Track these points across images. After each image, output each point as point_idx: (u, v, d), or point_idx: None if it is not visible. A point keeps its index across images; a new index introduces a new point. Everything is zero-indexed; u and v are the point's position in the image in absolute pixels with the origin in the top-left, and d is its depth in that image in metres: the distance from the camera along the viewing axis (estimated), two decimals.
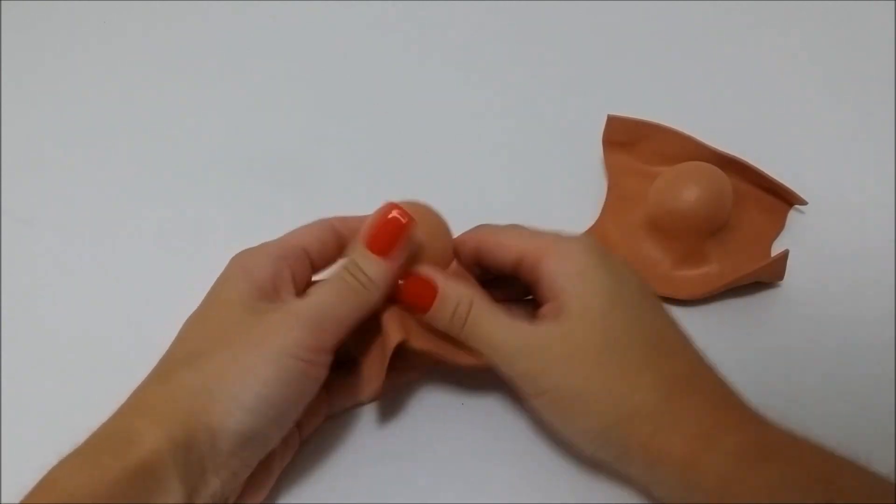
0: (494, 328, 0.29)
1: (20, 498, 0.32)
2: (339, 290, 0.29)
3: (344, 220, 0.33)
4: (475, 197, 0.41)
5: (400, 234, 0.30)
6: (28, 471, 0.33)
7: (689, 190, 0.37)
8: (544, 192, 0.42)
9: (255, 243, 0.31)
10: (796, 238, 0.40)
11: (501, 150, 0.45)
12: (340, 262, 0.30)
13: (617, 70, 0.48)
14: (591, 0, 0.52)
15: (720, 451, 0.26)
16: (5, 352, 0.37)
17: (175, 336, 0.29)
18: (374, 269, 0.29)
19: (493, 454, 0.33)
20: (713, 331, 0.37)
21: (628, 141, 0.41)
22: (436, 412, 0.34)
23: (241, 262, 0.30)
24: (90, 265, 0.40)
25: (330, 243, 0.32)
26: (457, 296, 0.30)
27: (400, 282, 0.30)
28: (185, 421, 0.26)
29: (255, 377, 0.27)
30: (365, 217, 0.31)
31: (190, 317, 0.30)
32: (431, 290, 0.30)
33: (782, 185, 0.40)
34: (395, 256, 0.30)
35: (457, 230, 0.36)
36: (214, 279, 0.31)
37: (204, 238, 0.41)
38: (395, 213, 0.30)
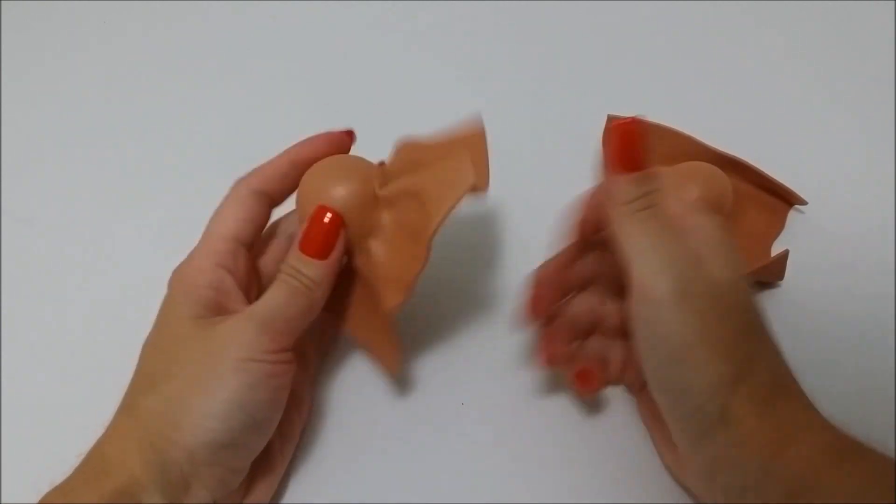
0: (666, 233, 0.27)
1: (20, 498, 0.32)
2: (286, 291, 0.29)
3: (263, 175, 0.32)
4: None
5: (333, 237, 0.30)
6: (28, 471, 0.33)
7: (688, 190, 0.37)
8: (544, 191, 0.42)
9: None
10: (796, 238, 0.40)
11: (501, 150, 0.44)
12: (281, 269, 0.30)
13: (617, 70, 0.48)
14: (591, 0, 0.52)
15: (808, 444, 0.25)
16: (5, 352, 0.37)
17: (135, 367, 0.30)
18: (314, 271, 0.30)
19: (493, 454, 0.33)
20: None
21: None
22: (436, 412, 0.34)
23: (180, 281, 0.30)
24: (90, 265, 0.40)
25: (259, 216, 0.32)
26: (660, 185, 0.28)
27: (616, 130, 0.28)
28: (155, 443, 0.27)
29: (220, 385, 0.27)
30: (283, 161, 0.32)
31: (143, 345, 0.30)
32: (645, 163, 0.28)
33: (782, 185, 0.40)
34: (331, 257, 0.30)
35: (456, 231, 0.36)
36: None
37: None
38: (326, 218, 0.30)
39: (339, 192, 0.30)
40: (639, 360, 0.28)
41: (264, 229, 0.33)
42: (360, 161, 0.32)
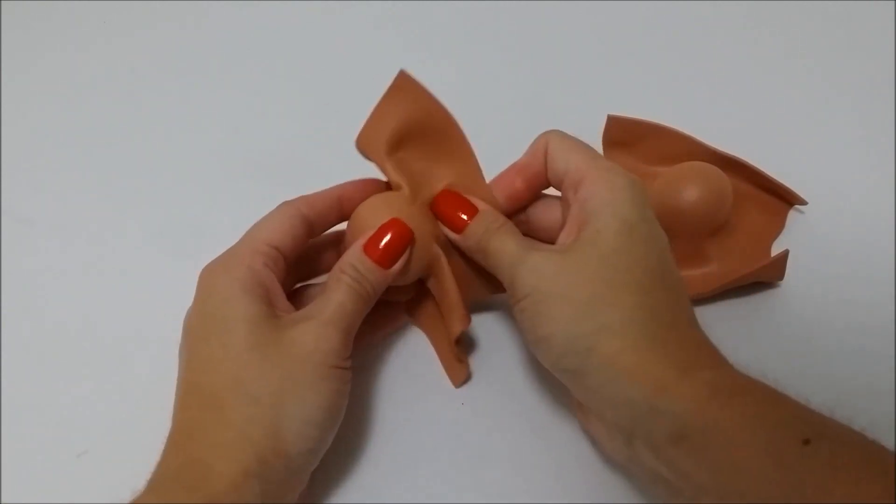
0: (520, 242, 0.30)
1: (20, 498, 0.32)
2: (351, 295, 0.30)
3: (310, 202, 0.32)
4: None
5: (401, 247, 0.31)
6: (28, 471, 0.33)
7: (689, 190, 0.37)
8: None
9: None
10: (796, 238, 0.40)
11: (501, 150, 0.44)
12: (340, 267, 0.30)
13: (617, 70, 0.48)
14: (592, 0, 0.52)
15: (696, 379, 0.25)
16: (5, 351, 0.37)
17: (190, 363, 0.29)
18: (377, 278, 0.30)
19: (493, 455, 0.33)
20: (713, 331, 0.36)
21: (628, 141, 0.41)
22: (436, 412, 0.34)
23: (231, 279, 0.29)
24: (90, 265, 0.40)
25: (300, 237, 0.32)
26: (494, 215, 0.31)
27: (440, 190, 0.32)
28: (256, 451, 0.26)
29: (314, 392, 0.28)
30: (331, 194, 0.33)
31: (199, 345, 0.29)
32: (473, 209, 0.32)
33: (782, 185, 0.40)
34: (393, 268, 0.31)
35: None
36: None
37: (204, 238, 0.41)
38: (397, 229, 0.31)
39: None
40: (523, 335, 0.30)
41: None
42: (397, 197, 0.33)
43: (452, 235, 0.32)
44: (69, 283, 0.40)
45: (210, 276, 0.30)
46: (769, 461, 0.22)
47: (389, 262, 0.31)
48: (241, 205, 0.42)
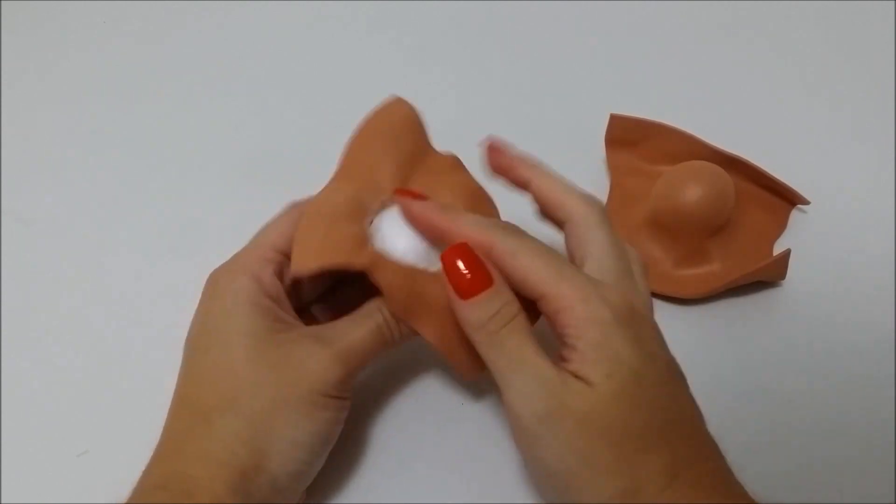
0: (525, 351, 0.26)
1: (20, 498, 0.32)
2: (373, 333, 0.29)
3: None
4: None
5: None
6: (28, 471, 0.33)
7: (691, 189, 0.37)
8: None
9: None
10: (798, 238, 0.40)
11: None
12: (381, 308, 0.29)
13: (619, 69, 0.48)
14: (592, 0, 0.52)
15: None
16: (5, 352, 0.37)
17: (186, 375, 0.28)
18: (406, 330, 0.29)
19: (492, 455, 0.33)
20: (714, 330, 0.37)
21: (631, 140, 0.41)
22: (436, 413, 0.34)
23: (237, 288, 0.28)
24: (90, 265, 0.40)
25: None
26: (508, 297, 0.26)
27: (458, 262, 0.26)
28: (241, 467, 0.26)
29: (307, 418, 0.27)
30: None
31: (197, 351, 0.28)
32: (488, 280, 0.26)
33: (784, 184, 0.40)
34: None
35: None
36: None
37: (204, 238, 0.41)
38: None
39: None
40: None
41: None
42: None
43: (451, 297, 0.27)
44: (69, 283, 0.39)
45: (215, 286, 0.29)
46: None
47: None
48: (241, 205, 0.42)
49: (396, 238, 0.29)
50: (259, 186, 0.43)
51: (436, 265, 0.29)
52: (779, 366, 0.36)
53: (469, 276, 0.26)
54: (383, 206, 0.30)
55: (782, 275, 0.37)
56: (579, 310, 0.25)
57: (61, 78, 0.49)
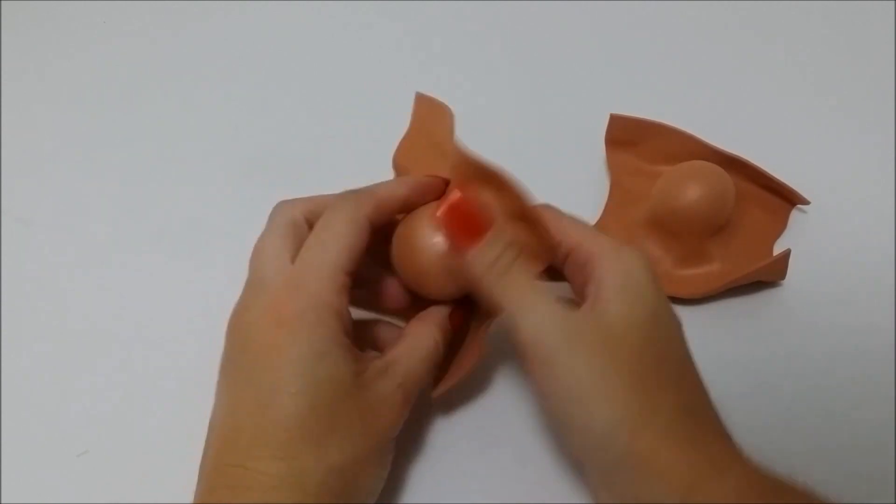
0: (537, 285, 0.27)
1: (20, 498, 0.32)
2: (430, 360, 0.29)
3: (380, 205, 0.29)
4: None
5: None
6: (28, 471, 0.33)
7: (691, 189, 0.37)
8: (546, 190, 0.42)
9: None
10: (798, 238, 0.40)
11: (503, 149, 0.44)
12: (431, 329, 0.29)
13: (619, 69, 0.48)
14: (593, 0, 0.52)
15: (728, 478, 0.24)
16: (5, 352, 0.37)
17: (265, 410, 0.26)
18: (445, 347, 0.30)
19: (492, 455, 0.33)
20: (713, 330, 0.37)
21: (631, 140, 0.41)
22: (436, 412, 0.34)
23: (320, 326, 0.26)
24: (90, 265, 0.40)
25: (364, 253, 0.28)
26: (509, 238, 0.27)
27: (453, 197, 0.27)
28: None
29: (382, 466, 0.27)
30: (398, 195, 0.29)
31: (281, 398, 0.25)
32: (488, 223, 0.27)
33: (784, 184, 0.40)
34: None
35: None
36: (230, 289, 0.28)
37: (205, 238, 0.41)
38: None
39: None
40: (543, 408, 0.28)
41: None
42: None
43: (456, 251, 0.28)
44: (69, 284, 0.39)
45: (297, 321, 0.26)
46: None
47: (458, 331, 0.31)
48: (241, 205, 0.42)
49: None
50: (259, 186, 0.43)
51: None
52: (779, 366, 0.36)
53: (469, 223, 0.27)
54: None
55: (782, 275, 0.37)
56: (609, 257, 0.27)
57: (61, 78, 0.49)
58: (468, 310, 0.32)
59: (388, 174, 0.43)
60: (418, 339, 0.29)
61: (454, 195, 0.28)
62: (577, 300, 0.29)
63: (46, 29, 0.53)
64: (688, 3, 0.51)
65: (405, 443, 0.33)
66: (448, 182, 0.31)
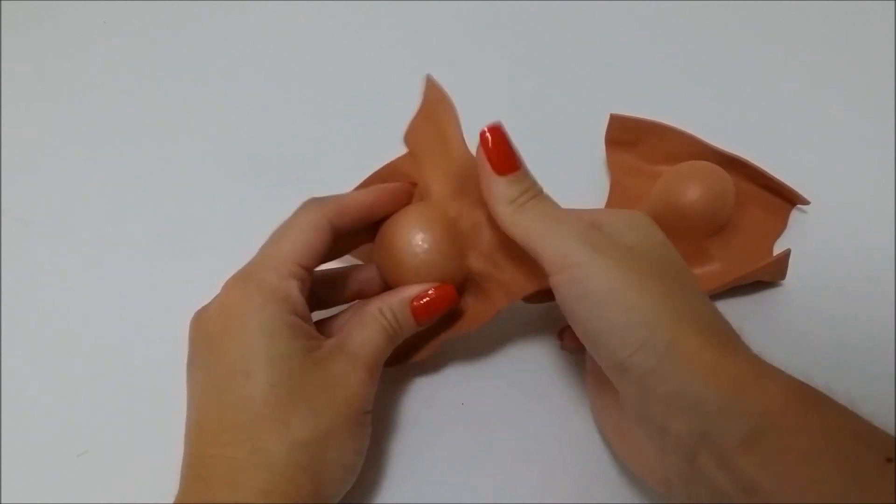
0: (558, 211, 0.28)
1: (20, 498, 0.32)
2: (385, 337, 0.30)
3: (341, 209, 0.30)
4: None
5: (443, 312, 0.31)
6: (28, 471, 0.33)
7: (691, 189, 0.37)
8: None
9: (256, 244, 0.30)
10: (798, 238, 0.40)
11: None
12: (381, 309, 0.30)
13: (619, 69, 0.48)
14: (593, 0, 0.52)
15: (776, 381, 0.24)
16: (5, 352, 0.37)
17: (225, 399, 0.27)
18: (409, 331, 0.31)
19: (492, 455, 0.33)
20: None
21: (631, 140, 0.41)
22: (435, 413, 0.34)
23: (268, 312, 0.27)
24: (90, 265, 0.40)
25: (325, 250, 0.30)
26: (533, 179, 0.29)
27: (487, 135, 0.29)
28: (302, 497, 0.26)
29: (353, 438, 0.28)
30: (363, 201, 0.31)
31: (237, 381, 0.26)
32: (518, 162, 0.29)
33: (784, 184, 0.40)
34: (424, 326, 0.31)
35: None
36: (216, 292, 0.29)
37: (205, 238, 0.41)
38: (448, 296, 0.31)
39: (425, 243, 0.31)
40: (574, 327, 0.27)
41: None
42: (434, 210, 0.32)
43: (486, 172, 0.29)
44: (69, 283, 0.39)
45: (243, 306, 0.27)
46: (848, 476, 0.21)
47: (426, 321, 0.31)
48: (241, 205, 0.42)
49: None
50: (259, 186, 0.43)
51: None
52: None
53: (505, 154, 0.28)
54: None
55: (782, 275, 0.37)
56: (611, 212, 0.30)
57: (61, 77, 0.49)
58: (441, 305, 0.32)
59: None
60: (370, 318, 0.30)
61: (495, 123, 0.29)
62: None
63: (46, 29, 0.53)
64: (688, 3, 0.51)
65: (396, 420, 0.33)
66: (416, 185, 0.33)
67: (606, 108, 0.41)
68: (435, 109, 0.33)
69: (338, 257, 0.34)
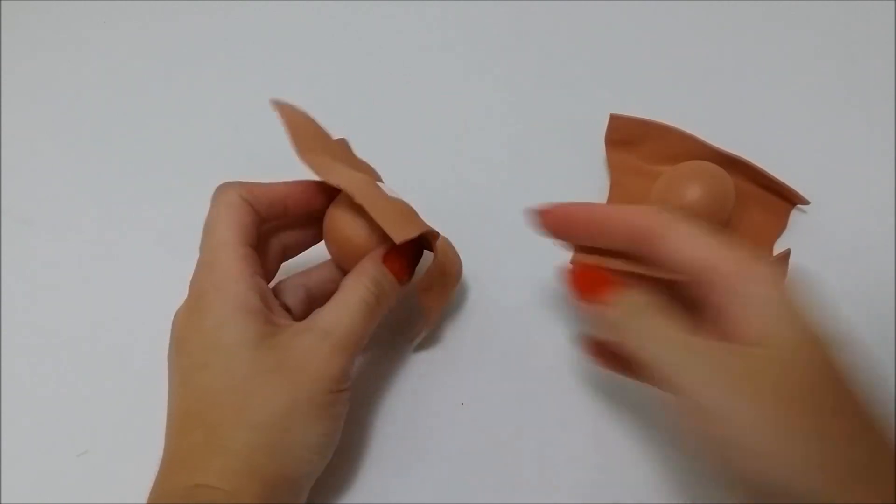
0: (675, 331, 0.25)
1: (20, 498, 0.32)
2: (364, 309, 0.29)
3: (250, 191, 0.30)
4: (477, 196, 0.41)
5: (415, 257, 0.31)
6: (28, 471, 0.33)
7: (691, 189, 0.37)
8: (546, 190, 0.42)
9: None
10: (798, 238, 0.40)
11: (503, 148, 0.45)
12: (358, 279, 0.29)
13: (619, 69, 0.48)
14: (592, 0, 0.52)
15: None
16: (5, 352, 0.37)
17: (187, 390, 0.27)
18: (392, 290, 0.30)
19: (492, 455, 0.33)
20: None
21: (631, 140, 0.41)
22: (435, 413, 0.34)
23: (224, 297, 0.27)
24: (90, 265, 0.40)
25: (253, 225, 0.30)
26: (634, 289, 0.26)
27: (582, 276, 0.27)
28: (265, 478, 0.26)
29: (318, 419, 0.27)
30: (277, 190, 0.31)
31: (197, 372, 0.27)
32: (611, 281, 0.27)
33: (784, 184, 0.40)
34: (407, 282, 0.31)
35: (458, 229, 0.36)
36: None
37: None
38: (413, 245, 0.31)
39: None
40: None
41: None
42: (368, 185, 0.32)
43: (587, 308, 0.27)
44: (69, 283, 0.39)
45: (199, 298, 0.28)
46: None
47: (407, 275, 0.31)
48: None
49: None
50: None
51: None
52: None
53: (596, 282, 0.27)
54: None
55: (782, 275, 0.37)
56: (741, 279, 0.24)
57: (61, 77, 0.49)
58: (409, 251, 0.31)
59: (389, 173, 0.43)
60: (346, 291, 0.29)
61: (578, 264, 0.28)
62: (704, 324, 0.26)
63: (46, 29, 0.53)
64: (688, 3, 0.51)
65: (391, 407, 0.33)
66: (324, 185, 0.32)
67: (606, 108, 0.41)
68: (305, 129, 0.33)
69: (287, 258, 0.34)
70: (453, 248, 0.34)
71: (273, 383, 0.27)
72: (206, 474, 0.26)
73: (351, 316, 0.28)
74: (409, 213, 0.31)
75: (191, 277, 0.29)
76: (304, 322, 0.29)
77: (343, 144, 0.35)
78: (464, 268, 0.36)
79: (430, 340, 0.36)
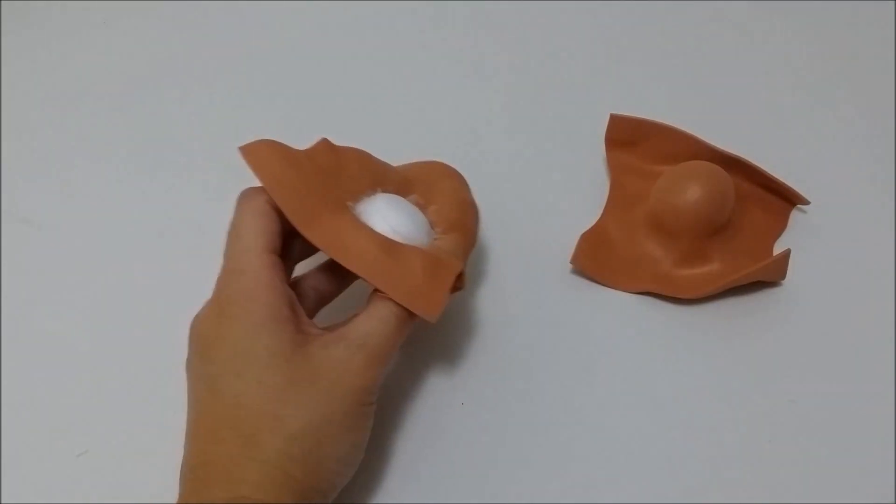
0: None
1: (20, 498, 0.32)
2: (395, 324, 0.29)
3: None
4: (477, 196, 0.41)
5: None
6: (28, 471, 0.33)
7: (690, 189, 0.37)
8: (546, 190, 0.42)
9: None
10: (798, 238, 0.40)
11: (504, 148, 0.45)
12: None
13: (619, 69, 0.48)
14: (593, 0, 0.52)
15: None
16: (5, 352, 0.37)
17: (220, 398, 0.27)
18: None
19: (492, 455, 0.33)
20: (713, 330, 0.37)
21: (631, 140, 0.41)
22: (435, 412, 0.34)
23: (256, 305, 0.27)
24: (90, 265, 0.40)
25: (279, 232, 0.30)
26: None
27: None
28: (299, 489, 0.26)
29: (350, 431, 0.27)
30: None
31: (229, 380, 0.27)
32: None
33: (784, 184, 0.40)
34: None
35: None
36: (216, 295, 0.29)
37: (205, 238, 0.41)
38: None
39: None
40: None
41: None
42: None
43: None
44: (69, 283, 0.39)
45: (230, 305, 0.28)
46: None
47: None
48: None
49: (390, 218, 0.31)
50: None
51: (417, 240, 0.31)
52: (778, 366, 0.36)
53: None
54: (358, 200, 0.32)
55: (782, 275, 0.37)
56: None
57: (61, 77, 0.49)
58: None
59: None
60: (378, 303, 0.29)
61: None
62: None
63: (46, 29, 0.53)
64: (687, 3, 0.51)
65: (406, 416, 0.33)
66: None
67: (606, 108, 0.41)
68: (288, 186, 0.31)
69: (305, 256, 0.34)
70: (473, 206, 0.35)
71: (308, 394, 0.26)
72: (245, 486, 0.25)
73: (384, 327, 0.28)
74: (432, 264, 0.30)
75: (216, 284, 0.29)
76: (336, 333, 0.28)
77: (347, 156, 0.34)
78: (464, 268, 0.36)
79: (431, 340, 0.36)
